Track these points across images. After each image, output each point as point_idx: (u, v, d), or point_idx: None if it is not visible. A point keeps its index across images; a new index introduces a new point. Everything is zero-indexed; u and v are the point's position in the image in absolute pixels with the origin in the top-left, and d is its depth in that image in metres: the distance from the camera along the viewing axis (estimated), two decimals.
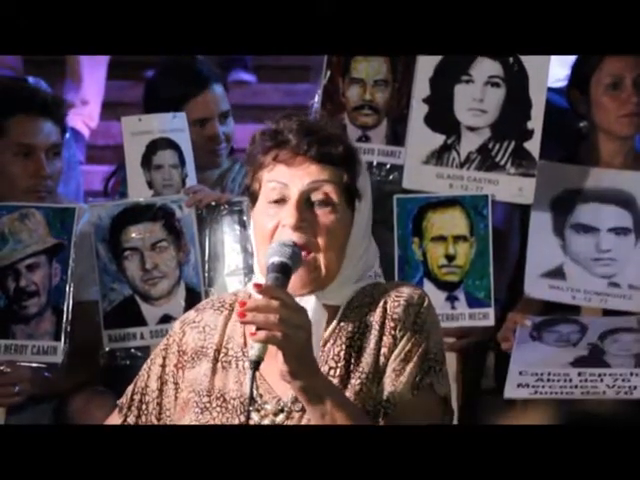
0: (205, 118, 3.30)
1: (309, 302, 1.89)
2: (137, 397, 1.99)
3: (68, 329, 3.04)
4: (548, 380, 3.10)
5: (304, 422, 1.86)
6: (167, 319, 3.05)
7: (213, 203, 3.11)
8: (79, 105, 4.58)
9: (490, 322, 3.17)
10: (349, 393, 1.87)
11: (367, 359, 1.88)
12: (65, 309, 3.05)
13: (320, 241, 1.88)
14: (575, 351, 3.13)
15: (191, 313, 2.01)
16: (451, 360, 3.24)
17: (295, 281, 1.87)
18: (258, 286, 1.79)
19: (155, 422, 1.96)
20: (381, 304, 1.92)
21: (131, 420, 1.98)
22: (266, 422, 1.87)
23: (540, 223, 3.23)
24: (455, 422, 3.19)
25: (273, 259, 1.83)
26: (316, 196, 1.89)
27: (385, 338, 1.89)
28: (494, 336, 3.24)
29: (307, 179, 1.88)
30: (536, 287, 3.22)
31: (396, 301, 1.92)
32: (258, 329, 1.76)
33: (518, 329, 3.16)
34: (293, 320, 1.76)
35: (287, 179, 1.89)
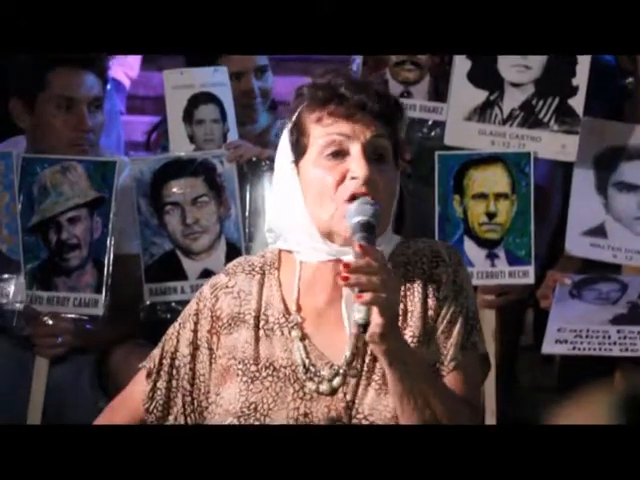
0: (240, 72, 3.28)
1: None
2: (166, 362, 1.97)
3: (109, 282, 3.07)
4: (587, 337, 3.10)
5: (361, 389, 1.85)
6: (208, 274, 3.06)
7: (254, 158, 3.11)
8: (120, 55, 4.56)
9: (530, 280, 3.16)
10: None
11: (415, 322, 1.88)
12: (106, 262, 3.07)
13: (382, 195, 1.87)
14: (614, 309, 3.12)
15: (222, 277, 1.98)
16: (490, 317, 3.24)
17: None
18: (360, 247, 1.76)
19: (188, 387, 1.94)
20: (419, 265, 1.91)
21: (161, 385, 1.96)
22: (323, 388, 1.86)
23: (582, 181, 3.20)
24: (493, 379, 3.22)
25: (357, 218, 1.81)
26: (376, 151, 1.88)
27: (429, 300, 1.89)
28: (533, 294, 3.23)
29: (368, 133, 1.87)
30: (577, 245, 3.20)
31: (434, 261, 1.91)
32: (361, 291, 1.74)
33: (557, 287, 3.15)
34: (391, 282, 1.76)
35: (349, 132, 1.87)
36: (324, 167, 1.88)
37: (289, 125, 1.95)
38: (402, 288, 1.89)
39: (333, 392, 1.86)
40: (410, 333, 1.87)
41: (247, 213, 3.12)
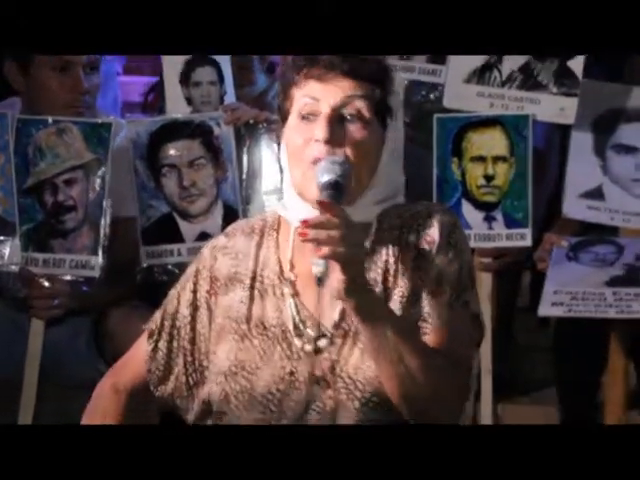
0: None
1: None
2: (168, 323, 1.98)
3: (106, 244, 3.06)
4: (583, 299, 3.11)
5: (346, 349, 1.86)
6: (205, 236, 3.05)
7: (251, 121, 3.09)
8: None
9: (527, 243, 3.16)
10: None
11: (405, 282, 1.88)
12: (102, 224, 3.06)
13: (351, 155, 1.85)
14: (611, 271, 3.12)
15: (221, 238, 2.00)
16: (487, 280, 3.24)
17: None
18: (320, 203, 1.75)
19: (189, 347, 1.95)
20: (414, 227, 1.90)
21: (162, 345, 1.97)
22: (309, 347, 1.88)
23: (581, 143, 3.19)
24: (489, 339, 3.23)
25: (325, 177, 1.81)
26: (348, 111, 1.86)
27: (421, 260, 1.89)
28: (530, 256, 3.23)
29: (339, 94, 1.86)
30: (574, 208, 3.20)
31: (429, 222, 1.90)
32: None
33: (554, 249, 3.15)
34: (353, 237, 1.75)
35: (319, 94, 1.86)
36: (296, 129, 1.88)
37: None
38: (395, 250, 1.89)
39: (318, 352, 1.87)
40: (400, 293, 1.87)
41: (244, 176, 3.11)
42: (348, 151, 1.85)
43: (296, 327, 1.89)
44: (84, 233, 3.09)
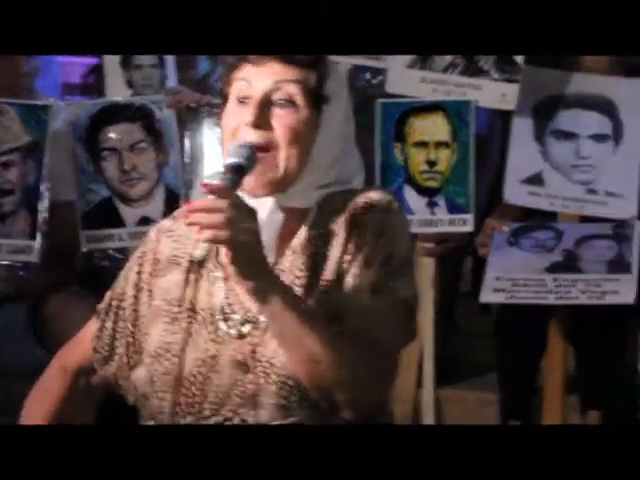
0: None
1: (266, 203, 1.86)
2: (115, 303, 1.98)
3: (44, 229, 3.01)
4: (524, 285, 3.12)
5: (268, 334, 1.84)
6: (146, 221, 3.03)
7: (193, 105, 3.07)
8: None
9: (469, 228, 3.18)
10: (312, 302, 1.85)
11: (330, 267, 1.85)
12: (40, 208, 3.02)
13: (279, 140, 1.83)
14: (550, 257, 3.15)
15: (168, 221, 1.99)
16: (429, 265, 3.26)
17: (253, 181, 1.83)
18: (205, 186, 1.73)
19: (131, 328, 1.94)
20: (347, 209, 1.89)
21: (108, 325, 1.97)
22: (233, 332, 1.86)
23: (521, 129, 3.21)
24: (431, 323, 3.25)
25: (228, 160, 1.79)
26: (278, 95, 1.84)
27: (349, 244, 1.86)
28: (472, 242, 3.25)
29: (271, 78, 1.84)
30: (515, 193, 3.22)
31: (362, 206, 1.88)
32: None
33: (496, 235, 3.18)
34: (240, 220, 1.72)
35: (252, 78, 1.85)
36: (230, 112, 1.87)
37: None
38: (325, 234, 1.87)
39: (241, 336, 1.86)
40: (324, 277, 1.85)
41: (186, 160, 3.08)
42: (277, 135, 1.83)
43: (223, 311, 1.88)
44: (21, 217, 3.04)
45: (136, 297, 1.95)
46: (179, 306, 1.90)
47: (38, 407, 2.00)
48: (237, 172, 1.77)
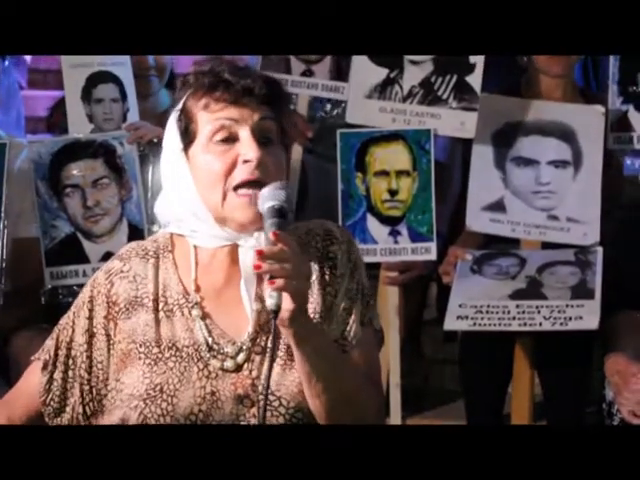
0: None
1: (259, 238, 1.87)
2: (62, 352, 1.94)
3: (3, 266, 3.00)
4: (487, 312, 3.13)
5: (266, 364, 1.86)
6: (109, 256, 2.97)
7: (155, 139, 3.08)
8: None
9: (432, 256, 3.20)
10: None
11: (315, 299, 1.89)
12: (0, 247, 3.01)
13: (273, 178, 1.86)
14: (514, 284, 3.16)
15: (115, 263, 1.96)
16: (393, 294, 3.27)
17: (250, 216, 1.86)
18: (274, 234, 1.77)
19: (85, 376, 1.92)
20: (312, 244, 1.92)
21: (57, 376, 1.93)
22: (228, 365, 1.87)
23: (481, 157, 3.24)
24: (397, 351, 3.26)
25: (268, 204, 1.81)
26: (263, 134, 1.88)
27: (327, 277, 1.91)
28: (436, 270, 3.27)
29: (255, 117, 1.88)
30: (477, 220, 3.24)
31: (327, 239, 1.93)
32: (273, 277, 1.75)
33: (459, 263, 3.19)
34: (303, 268, 1.78)
35: (237, 117, 1.87)
36: (214, 153, 1.87)
37: (176, 113, 1.94)
38: None
39: (238, 369, 1.87)
40: (312, 309, 1.88)
41: (149, 195, 3.09)
42: (271, 174, 1.86)
43: (211, 349, 1.88)
44: None
45: (89, 343, 1.92)
46: (158, 346, 1.89)
47: None
48: (281, 215, 1.80)
